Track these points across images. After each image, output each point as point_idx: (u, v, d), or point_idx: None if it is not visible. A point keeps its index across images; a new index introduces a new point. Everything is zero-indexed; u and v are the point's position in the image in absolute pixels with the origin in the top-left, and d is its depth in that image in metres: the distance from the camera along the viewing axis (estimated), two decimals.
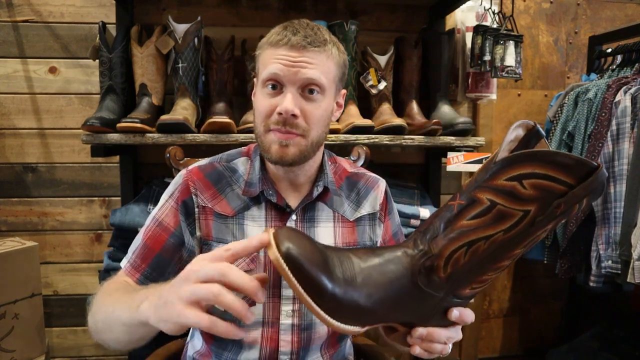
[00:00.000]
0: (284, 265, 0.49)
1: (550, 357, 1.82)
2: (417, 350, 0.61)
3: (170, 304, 0.53)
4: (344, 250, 0.57)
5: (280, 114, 0.76)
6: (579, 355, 1.71)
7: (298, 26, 0.78)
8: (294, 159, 0.79)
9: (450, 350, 0.65)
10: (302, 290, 0.50)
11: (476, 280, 0.55)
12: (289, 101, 0.76)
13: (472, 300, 1.61)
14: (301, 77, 0.76)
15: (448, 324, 0.60)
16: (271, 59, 0.77)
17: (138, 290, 0.67)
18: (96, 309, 0.72)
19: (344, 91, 0.88)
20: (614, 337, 1.71)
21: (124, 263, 0.83)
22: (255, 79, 0.86)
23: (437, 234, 0.52)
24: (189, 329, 0.97)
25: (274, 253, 0.50)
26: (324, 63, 0.78)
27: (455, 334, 0.63)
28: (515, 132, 0.52)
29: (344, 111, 1.49)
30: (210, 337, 0.88)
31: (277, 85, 0.78)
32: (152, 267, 0.80)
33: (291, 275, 0.50)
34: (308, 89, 0.78)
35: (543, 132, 0.52)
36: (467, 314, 0.61)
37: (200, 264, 0.53)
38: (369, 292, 0.52)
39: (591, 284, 1.49)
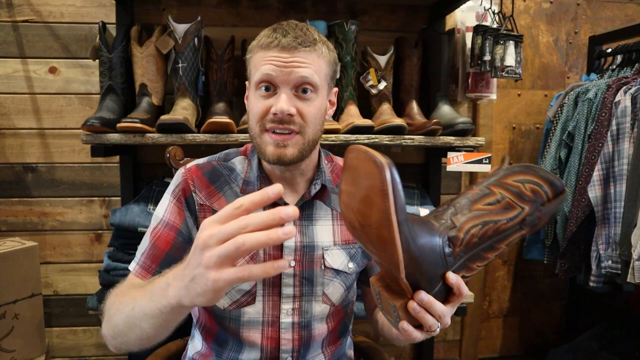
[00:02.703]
0: (388, 173, 0.50)
1: (550, 357, 1.82)
2: (404, 325, 0.61)
3: (200, 275, 0.51)
4: None
5: (275, 114, 0.77)
6: (579, 355, 1.71)
7: (287, 27, 0.79)
8: (292, 159, 0.80)
9: (438, 331, 0.65)
10: (392, 202, 0.51)
11: (474, 262, 0.63)
12: (283, 101, 0.77)
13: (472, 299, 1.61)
14: (294, 76, 0.77)
15: (445, 300, 0.63)
16: (262, 61, 0.78)
17: (152, 281, 0.66)
18: (113, 313, 0.71)
19: (335, 89, 0.89)
20: (614, 337, 1.71)
21: (132, 266, 0.82)
22: (247, 82, 0.86)
23: (458, 212, 0.62)
24: (190, 327, 0.97)
25: (381, 160, 0.50)
26: (316, 62, 0.79)
27: (450, 311, 0.63)
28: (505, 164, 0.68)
29: (344, 111, 1.50)
30: (210, 337, 0.88)
31: (270, 87, 0.79)
32: (162, 266, 0.80)
33: (390, 185, 0.50)
34: (302, 88, 0.78)
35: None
36: (462, 284, 0.62)
37: (214, 227, 0.50)
38: (415, 236, 0.57)
39: (591, 284, 1.49)
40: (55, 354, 1.71)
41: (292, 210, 0.48)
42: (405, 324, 0.61)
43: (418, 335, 0.64)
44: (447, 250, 0.60)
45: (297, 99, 0.79)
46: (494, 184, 0.63)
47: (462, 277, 0.62)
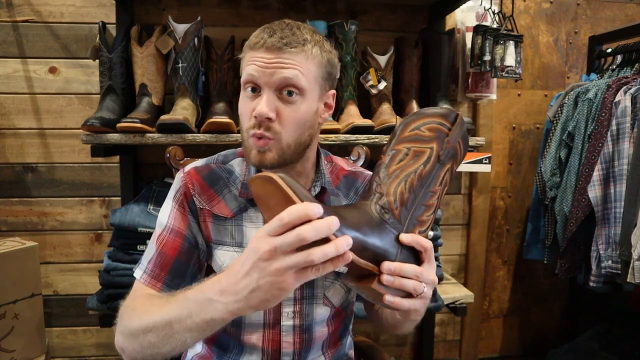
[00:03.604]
0: (279, 179, 0.54)
1: (550, 357, 1.82)
2: (388, 298, 0.62)
3: (269, 284, 0.55)
4: None
5: (255, 117, 0.75)
6: (579, 355, 1.71)
7: (276, 27, 0.76)
8: (272, 163, 0.77)
9: (429, 294, 0.66)
10: (296, 199, 0.54)
11: (422, 215, 0.67)
12: (263, 104, 0.74)
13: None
14: (277, 78, 0.74)
15: (416, 262, 0.66)
16: (248, 62, 0.77)
17: (178, 296, 0.66)
18: (137, 329, 0.69)
19: (332, 92, 0.84)
20: (614, 337, 1.71)
21: (139, 274, 0.81)
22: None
23: (380, 183, 0.67)
24: None
25: (271, 175, 0.55)
26: (303, 63, 0.75)
27: (428, 268, 0.65)
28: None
29: (344, 111, 1.50)
30: (211, 340, 0.88)
31: (255, 88, 0.77)
32: (172, 273, 0.80)
33: (284, 186, 0.54)
34: (286, 90, 0.75)
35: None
36: (419, 238, 0.65)
37: (273, 240, 0.54)
38: (351, 224, 0.60)
39: (591, 284, 1.49)
40: (55, 354, 1.71)
41: (335, 221, 0.53)
42: (389, 297, 0.62)
43: (411, 303, 0.64)
44: (388, 218, 0.64)
45: (280, 102, 0.76)
46: (396, 143, 0.68)
47: (419, 232, 0.67)
